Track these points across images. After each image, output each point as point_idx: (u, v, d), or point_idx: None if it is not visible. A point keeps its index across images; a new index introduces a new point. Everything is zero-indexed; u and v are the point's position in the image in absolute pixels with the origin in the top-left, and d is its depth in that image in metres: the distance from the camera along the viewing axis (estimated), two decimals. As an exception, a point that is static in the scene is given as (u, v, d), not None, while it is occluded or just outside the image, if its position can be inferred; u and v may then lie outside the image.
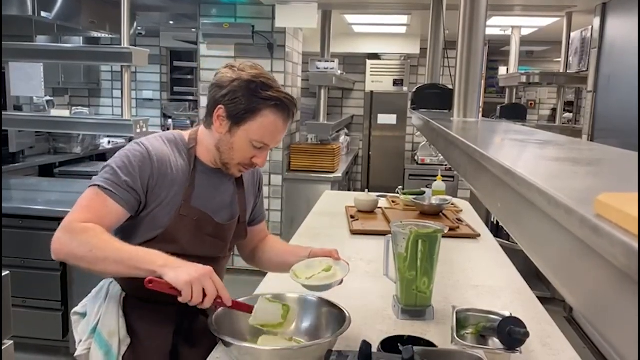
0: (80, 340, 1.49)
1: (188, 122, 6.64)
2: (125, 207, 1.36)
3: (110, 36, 5.11)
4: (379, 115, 6.74)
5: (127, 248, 1.28)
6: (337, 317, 1.40)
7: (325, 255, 1.51)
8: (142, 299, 1.45)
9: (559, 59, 4.81)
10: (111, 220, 1.35)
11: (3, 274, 1.88)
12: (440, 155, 6.25)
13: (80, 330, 1.51)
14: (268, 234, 1.78)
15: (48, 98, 5.28)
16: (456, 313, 1.45)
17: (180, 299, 1.22)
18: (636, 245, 0.32)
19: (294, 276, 1.44)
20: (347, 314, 1.38)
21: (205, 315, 1.56)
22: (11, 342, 2.00)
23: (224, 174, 1.51)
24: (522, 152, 0.99)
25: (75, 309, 1.55)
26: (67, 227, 1.30)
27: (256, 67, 1.43)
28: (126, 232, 1.44)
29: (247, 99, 1.36)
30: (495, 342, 1.39)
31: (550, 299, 3.89)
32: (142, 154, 1.39)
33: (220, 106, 1.39)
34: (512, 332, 1.31)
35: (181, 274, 1.21)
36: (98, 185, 1.35)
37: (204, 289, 1.22)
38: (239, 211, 1.58)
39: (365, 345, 1.23)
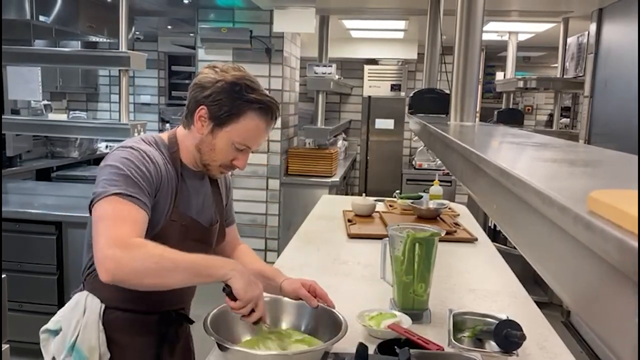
0: (53, 358, 1.41)
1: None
2: (148, 214, 1.29)
3: (108, 40, 5.11)
4: (377, 120, 6.75)
5: (189, 256, 1.23)
6: (335, 321, 1.40)
7: (296, 293, 1.48)
8: (122, 309, 1.41)
9: (556, 65, 4.83)
10: (145, 228, 1.28)
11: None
12: (437, 160, 6.27)
13: (54, 348, 1.42)
14: (240, 242, 1.73)
15: (46, 102, 5.26)
16: (453, 316, 1.45)
17: (232, 305, 1.26)
18: (629, 240, 0.32)
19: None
20: (344, 321, 1.37)
21: (189, 322, 1.55)
22: (7, 346, 2.00)
23: (202, 176, 1.49)
24: (519, 154, 0.99)
25: (46, 326, 1.46)
26: (120, 243, 1.19)
27: (239, 69, 1.41)
28: None
29: (231, 101, 1.34)
30: (492, 345, 1.39)
31: (547, 303, 3.89)
32: (143, 157, 1.34)
33: (202, 107, 1.36)
34: (508, 335, 1.31)
35: (248, 289, 1.25)
36: (119, 194, 1.25)
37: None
38: (218, 213, 1.56)
39: (362, 348, 1.23)
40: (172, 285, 1.26)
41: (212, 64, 1.42)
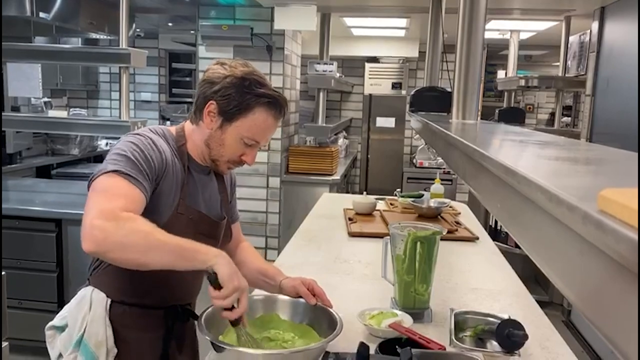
0: (59, 355, 1.41)
1: (186, 124, 6.62)
2: (145, 196, 1.28)
3: (109, 37, 5.10)
4: (378, 118, 6.74)
5: (176, 238, 1.20)
6: (330, 319, 1.38)
7: (295, 290, 1.46)
8: (129, 304, 1.41)
9: (558, 63, 4.82)
10: (140, 208, 1.25)
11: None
12: (438, 158, 6.26)
13: (60, 344, 1.42)
14: (243, 240, 1.73)
15: (46, 99, 5.26)
16: (454, 315, 1.44)
17: (214, 295, 1.19)
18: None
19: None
20: (338, 319, 1.36)
21: (195, 317, 1.54)
22: (6, 343, 1.99)
23: (209, 171, 1.49)
24: (522, 152, 0.98)
25: (52, 323, 1.46)
26: (109, 215, 1.16)
27: (247, 65, 1.41)
28: None
29: (240, 95, 1.35)
30: (493, 345, 1.38)
31: (548, 302, 3.89)
32: (149, 144, 1.33)
33: (211, 102, 1.36)
34: (510, 335, 1.30)
35: (234, 276, 1.19)
36: (117, 171, 1.24)
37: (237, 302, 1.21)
38: (224, 209, 1.55)
39: (363, 347, 1.23)
40: (155, 265, 1.20)
41: (219, 60, 1.42)
